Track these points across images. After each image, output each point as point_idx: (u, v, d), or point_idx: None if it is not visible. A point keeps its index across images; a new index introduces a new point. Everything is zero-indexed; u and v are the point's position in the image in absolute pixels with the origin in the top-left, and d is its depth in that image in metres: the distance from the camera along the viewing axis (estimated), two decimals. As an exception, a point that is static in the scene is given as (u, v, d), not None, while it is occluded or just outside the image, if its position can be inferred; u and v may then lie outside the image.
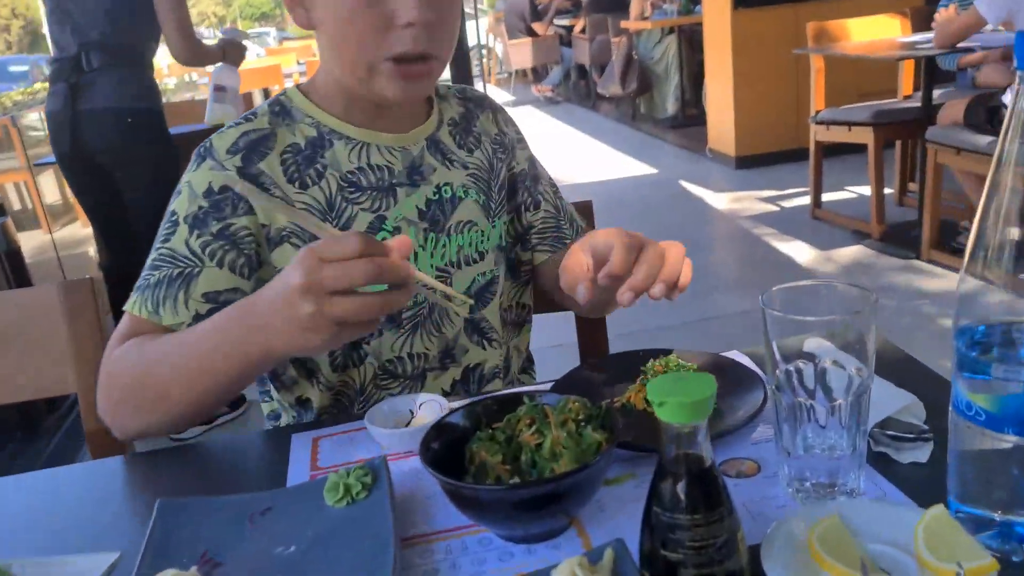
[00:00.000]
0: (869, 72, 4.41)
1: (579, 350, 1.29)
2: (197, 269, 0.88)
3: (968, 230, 3.37)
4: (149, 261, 0.90)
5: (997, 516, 0.58)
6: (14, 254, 2.88)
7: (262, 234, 0.92)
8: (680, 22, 6.52)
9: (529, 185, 1.10)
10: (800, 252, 3.71)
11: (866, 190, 3.90)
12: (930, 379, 0.83)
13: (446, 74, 1.58)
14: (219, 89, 2.63)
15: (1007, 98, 2.90)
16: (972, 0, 3.03)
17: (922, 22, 3.94)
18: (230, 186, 0.90)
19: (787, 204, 4.44)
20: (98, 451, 1.04)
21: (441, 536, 0.67)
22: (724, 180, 5.11)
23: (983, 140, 2.93)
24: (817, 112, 3.95)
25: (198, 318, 0.86)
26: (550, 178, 1.14)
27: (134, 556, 0.65)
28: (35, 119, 4.31)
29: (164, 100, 2.73)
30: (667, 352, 0.88)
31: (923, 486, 0.66)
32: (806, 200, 4.22)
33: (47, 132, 2.63)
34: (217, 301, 0.88)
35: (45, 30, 2.80)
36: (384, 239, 0.72)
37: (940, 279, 3.23)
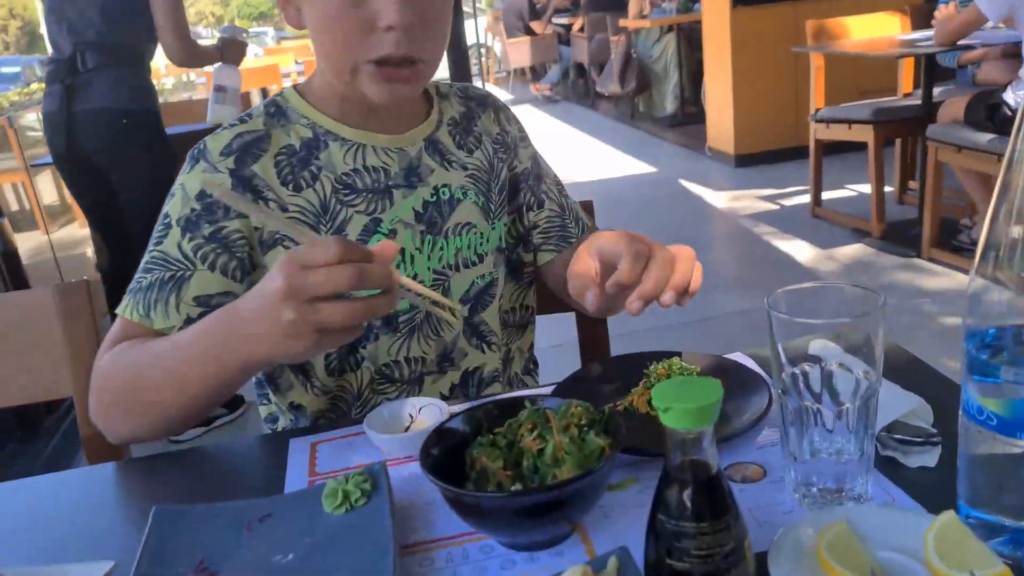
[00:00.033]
0: (869, 70, 4.41)
1: (580, 350, 1.28)
2: (189, 272, 0.87)
3: (969, 228, 3.36)
4: (142, 264, 0.90)
5: (1009, 522, 0.57)
6: (11, 255, 2.87)
7: (255, 237, 0.91)
8: (679, 20, 6.52)
9: (532, 184, 1.08)
10: (800, 251, 3.70)
11: (866, 188, 3.90)
12: (937, 381, 0.82)
13: (445, 73, 1.57)
14: (219, 90, 2.61)
15: (1008, 95, 2.89)
16: (972, -3, 3.02)
17: (922, 19, 3.93)
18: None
19: (787, 202, 4.43)
20: (94, 455, 1.03)
21: (442, 543, 0.66)
22: (723, 178, 5.10)
23: (984, 137, 2.92)
24: (817, 110, 3.95)
25: (189, 322, 0.86)
26: (555, 176, 1.12)
27: (129, 564, 0.64)
28: (32, 119, 4.29)
29: (161, 100, 2.71)
30: (672, 355, 0.87)
31: (931, 491, 0.65)
32: (806, 198, 4.22)
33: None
34: (209, 305, 0.87)
35: (43, 31, 2.79)
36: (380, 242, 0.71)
37: (941, 277, 3.22)
